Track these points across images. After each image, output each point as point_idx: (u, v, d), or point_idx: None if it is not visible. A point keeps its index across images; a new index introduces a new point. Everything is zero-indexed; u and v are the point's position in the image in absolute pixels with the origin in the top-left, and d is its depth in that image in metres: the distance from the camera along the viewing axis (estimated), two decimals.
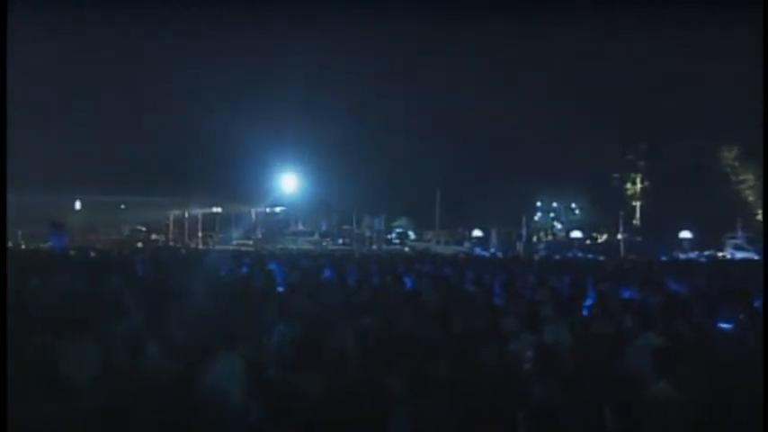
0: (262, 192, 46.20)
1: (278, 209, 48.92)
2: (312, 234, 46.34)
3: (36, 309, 7.44)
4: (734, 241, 41.21)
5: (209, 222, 46.64)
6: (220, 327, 5.95)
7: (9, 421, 4.11)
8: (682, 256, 37.09)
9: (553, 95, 46.80)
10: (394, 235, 49.11)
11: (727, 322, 7.44)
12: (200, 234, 45.20)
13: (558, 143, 46.71)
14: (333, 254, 28.17)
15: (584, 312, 8.28)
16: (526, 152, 47.36)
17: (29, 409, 4.22)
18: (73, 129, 42.61)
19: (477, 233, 47.91)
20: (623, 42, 44.87)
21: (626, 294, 9.98)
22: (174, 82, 42.58)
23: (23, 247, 31.34)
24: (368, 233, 46.57)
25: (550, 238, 52.19)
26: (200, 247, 39.93)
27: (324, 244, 43.49)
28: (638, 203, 53.15)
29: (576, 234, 49.30)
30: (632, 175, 53.76)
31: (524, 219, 47.60)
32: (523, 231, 47.08)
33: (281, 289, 10.10)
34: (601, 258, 30.20)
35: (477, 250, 41.38)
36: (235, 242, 41.81)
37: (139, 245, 37.30)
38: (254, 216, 47.14)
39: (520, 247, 43.73)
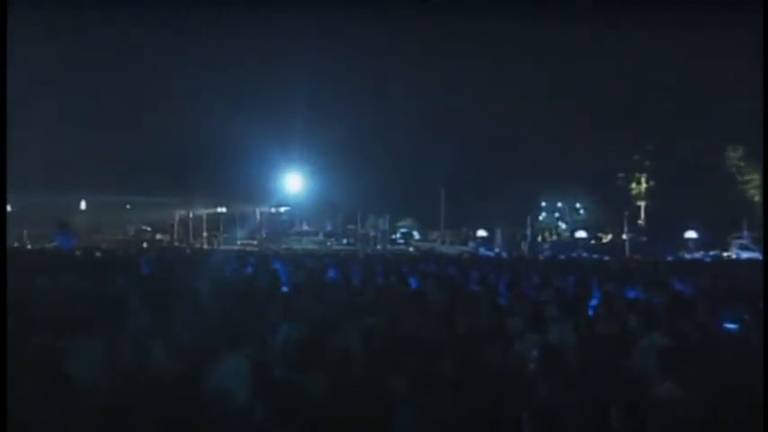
0: (266, 192, 46.22)
1: (282, 209, 48.94)
2: (317, 234, 46.35)
3: (42, 308, 7.47)
4: (739, 241, 41.06)
5: (214, 222, 46.66)
6: (225, 327, 5.97)
7: (10, 421, 4.12)
8: (687, 256, 36.97)
9: (558, 95, 46.80)
10: (398, 235, 49.06)
11: (732, 322, 7.44)
12: (204, 234, 45.23)
13: (562, 143, 46.62)
14: (337, 254, 28.16)
15: (590, 312, 8.28)
16: (531, 152, 47.29)
17: (34, 409, 4.23)
18: (78, 129, 42.73)
19: (481, 233, 47.80)
20: (628, 42, 44.86)
21: (631, 294, 9.98)
22: (179, 82, 42.65)
23: (29, 247, 31.40)
24: (372, 233, 46.51)
25: (555, 237, 52.11)
26: (205, 247, 39.97)
27: (328, 244, 43.49)
28: (643, 203, 52.98)
29: (581, 234, 49.14)
30: (637, 174, 53.59)
31: (529, 219, 47.54)
32: (528, 231, 47.02)
33: (285, 289, 10.11)
34: (606, 258, 30.13)
35: (482, 250, 41.31)
36: (239, 242, 41.86)
37: (144, 245, 37.34)
38: (258, 216, 47.17)
39: (524, 247, 43.66)
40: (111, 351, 5.69)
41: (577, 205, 54.65)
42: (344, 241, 46.13)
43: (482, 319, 7.25)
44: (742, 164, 50.49)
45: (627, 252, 40.71)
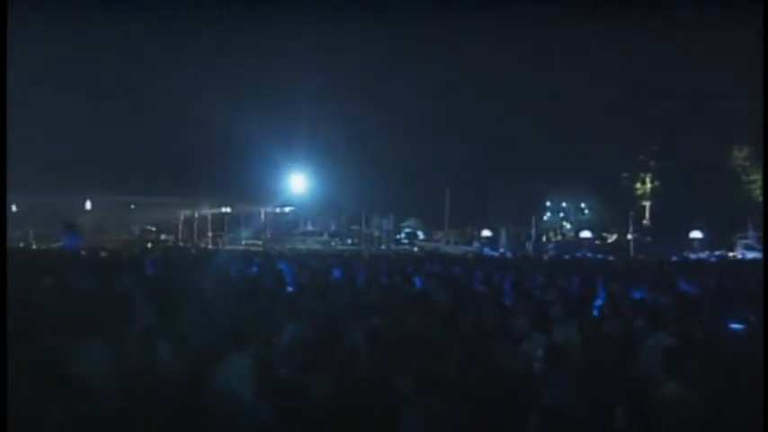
0: (271, 192, 46.26)
1: (287, 209, 48.94)
2: (321, 234, 46.32)
3: (46, 308, 7.47)
4: (745, 241, 40.95)
5: (219, 222, 46.69)
6: (230, 326, 5.97)
7: (14, 421, 4.12)
8: (692, 256, 36.91)
9: (563, 95, 46.74)
10: (403, 235, 49.05)
11: (737, 322, 7.41)
12: (209, 234, 45.27)
13: (567, 143, 46.57)
14: (342, 254, 28.19)
15: (595, 312, 8.27)
16: (535, 152, 47.25)
17: (38, 410, 4.24)
18: (83, 129, 42.79)
19: (486, 233, 47.77)
20: (633, 42, 44.79)
21: (636, 294, 9.96)
22: (185, 82, 42.67)
23: (35, 246, 31.49)
24: (377, 233, 46.50)
25: (560, 237, 52.02)
26: (210, 247, 40.01)
27: (333, 244, 43.48)
28: (647, 203, 52.89)
29: (586, 234, 49.08)
30: (642, 174, 53.51)
31: (533, 219, 47.48)
32: (533, 231, 46.97)
33: (290, 289, 10.13)
34: (610, 258, 30.09)
35: (487, 250, 41.30)
36: (244, 242, 41.91)
37: (149, 245, 37.39)
38: (263, 216, 47.16)
39: (529, 246, 43.62)
40: (115, 351, 5.69)
41: (582, 205, 54.55)
42: (349, 241, 46.11)
43: (486, 320, 7.24)
44: (747, 163, 50.33)
45: (632, 252, 40.64)
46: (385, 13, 41.98)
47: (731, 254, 39.27)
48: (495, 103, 47.58)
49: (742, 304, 8.28)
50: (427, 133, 47.18)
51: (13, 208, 37.87)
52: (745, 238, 41.37)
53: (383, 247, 43.49)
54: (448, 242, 45.72)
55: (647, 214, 52.42)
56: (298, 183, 47.66)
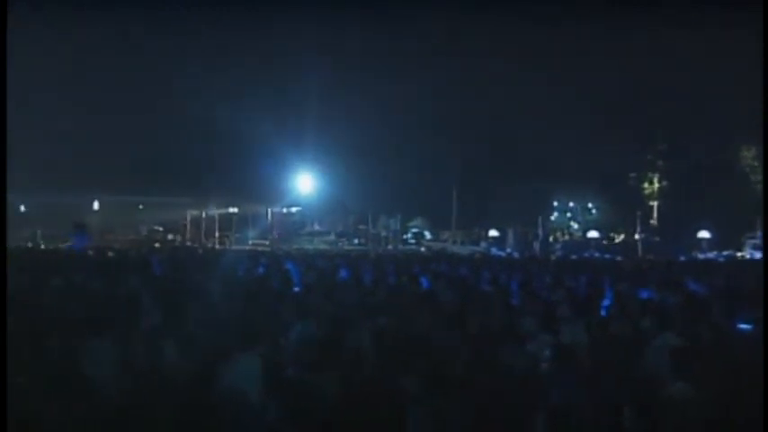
0: (278, 192, 46.28)
1: (294, 209, 48.93)
2: (328, 234, 46.30)
3: (54, 308, 7.51)
4: (753, 241, 40.69)
5: (226, 222, 46.74)
6: (238, 326, 5.98)
7: (19, 420, 4.14)
8: (700, 256, 36.77)
9: (570, 95, 46.58)
10: (410, 235, 48.96)
11: (746, 323, 7.38)
12: (216, 234, 45.33)
13: (574, 143, 46.43)
14: (349, 254, 28.21)
15: (602, 313, 8.26)
16: (542, 152, 47.10)
17: (46, 409, 4.26)
18: (91, 129, 42.86)
19: (493, 233, 47.65)
20: (639, 42, 44.68)
21: (644, 294, 9.93)
22: (192, 82, 42.70)
23: (43, 247, 31.62)
24: (384, 233, 46.43)
25: (567, 237, 51.81)
26: (217, 247, 40.05)
27: (339, 244, 43.47)
28: (655, 203, 52.63)
29: (593, 234, 48.88)
30: (650, 174, 53.26)
31: (541, 219, 47.32)
32: (540, 231, 46.82)
33: (297, 289, 10.14)
34: (618, 258, 30.00)
35: (494, 250, 41.23)
36: (251, 242, 41.94)
37: (157, 245, 37.50)
38: (270, 216, 47.17)
39: (536, 247, 43.51)
40: (123, 351, 5.71)
41: (589, 205, 54.31)
42: (356, 241, 46.09)
43: (494, 320, 7.24)
44: (755, 163, 50.01)
45: (639, 252, 40.49)
46: (390, 12, 41.96)
47: (740, 254, 39.09)
48: (503, 103, 47.50)
49: (750, 304, 8.24)
50: (434, 133, 47.12)
51: (22, 208, 38.09)
52: (753, 238, 41.10)
53: (390, 247, 43.45)
54: (455, 242, 45.65)
55: (655, 214, 52.19)
56: (305, 183, 47.67)
